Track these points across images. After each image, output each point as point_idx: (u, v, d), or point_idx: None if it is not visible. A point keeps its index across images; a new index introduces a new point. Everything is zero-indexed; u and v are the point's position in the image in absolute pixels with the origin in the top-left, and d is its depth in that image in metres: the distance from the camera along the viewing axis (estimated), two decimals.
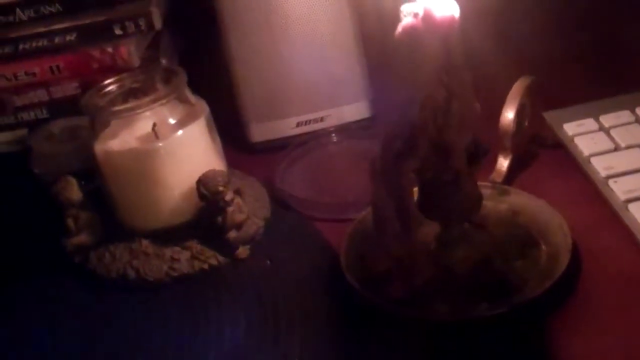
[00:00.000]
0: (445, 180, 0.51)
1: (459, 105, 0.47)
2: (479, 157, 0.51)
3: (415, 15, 0.46)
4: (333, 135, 0.75)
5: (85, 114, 0.63)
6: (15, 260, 0.67)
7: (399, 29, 0.48)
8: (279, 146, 0.74)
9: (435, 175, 0.51)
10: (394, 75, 0.49)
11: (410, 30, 0.47)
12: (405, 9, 0.48)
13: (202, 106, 0.63)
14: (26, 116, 0.80)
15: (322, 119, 0.75)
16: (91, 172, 0.64)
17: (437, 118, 0.48)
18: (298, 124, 0.75)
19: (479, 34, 0.56)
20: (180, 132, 0.60)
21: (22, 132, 0.81)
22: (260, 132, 0.75)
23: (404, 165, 0.50)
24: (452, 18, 0.46)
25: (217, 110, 0.65)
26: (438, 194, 0.52)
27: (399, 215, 0.52)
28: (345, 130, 0.75)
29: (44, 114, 0.80)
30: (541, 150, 0.67)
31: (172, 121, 0.61)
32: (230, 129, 0.71)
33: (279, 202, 0.67)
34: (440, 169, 0.50)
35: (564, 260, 0.53)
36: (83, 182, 0.69)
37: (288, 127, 0.75)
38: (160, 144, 0.59)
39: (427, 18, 0.46)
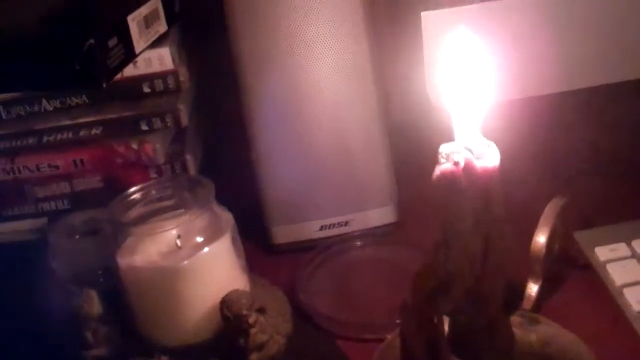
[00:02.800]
0: (478, 326, 0.49)
1: (497, 257, 0.46)
2: (515, 302, 0.50)
3: (456, 163, 0.45)
4: (357, 240, 0.74)
5: (109, 223, 0.61)
6: None
7: (437, 172, 0.46)
8: (302, 248, 0.73)
9: (469, 319, 0.49)
10: (431, 212, 0.48)
11: (449, 177, 0.46)
12: (443, 149, 0.46)
13: (228, 218, 0.62)
14: (47, 206, 0.79)
15: (346, 223, 0.74)
16: (109, 269, 0.63)
17: (474, 268, 0.46)
18: (322, 227, 0.74)
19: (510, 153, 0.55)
20: (205, 249, 0.58)
21: (42, 221, 0.80)
22: (282, 234, 0.74)
23: (437, 306, 0.49)
24: (495, 169, 0.45)
25: (238, 208, 0.64)
26: (470, 336, 0.50)
27: (429, 351, 0.50)
28: (370, 235, 0.74)
29: (65, 205, 0.79)
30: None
31: (197, 238, 0.59)
32: (252, 226, 0.69)
33: (301, 313, 0.65)
34: (474, 315, 0.49)
35: None
36: (101, 279, 0.68)
37: (311, 230, 0.74)
38: (185, 262, 0.58)
39: (468, 168, 0.45)
